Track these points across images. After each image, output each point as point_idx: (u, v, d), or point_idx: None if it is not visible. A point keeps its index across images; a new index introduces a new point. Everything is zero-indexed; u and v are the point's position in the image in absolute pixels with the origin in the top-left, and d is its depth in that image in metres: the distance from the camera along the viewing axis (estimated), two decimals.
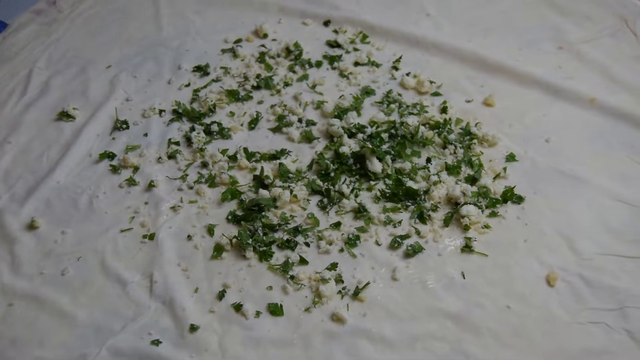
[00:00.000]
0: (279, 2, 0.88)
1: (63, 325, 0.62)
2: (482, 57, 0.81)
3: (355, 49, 0.85)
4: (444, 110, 0.78)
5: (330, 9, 0.87)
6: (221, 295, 0.64)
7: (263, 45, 0.86)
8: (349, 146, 0.74)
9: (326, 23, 0.86)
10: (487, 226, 0.68)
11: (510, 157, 0.73)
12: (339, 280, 0.64)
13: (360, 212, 0.69)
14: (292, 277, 0.65)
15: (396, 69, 0.82)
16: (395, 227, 0.69)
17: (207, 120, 0.77)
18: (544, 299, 0.63)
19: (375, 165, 0.72)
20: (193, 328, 0.62)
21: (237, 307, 0.63)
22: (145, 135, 0.77)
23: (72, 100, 0.80)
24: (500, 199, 0.70)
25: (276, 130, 0.77)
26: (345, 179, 0.72)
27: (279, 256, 0.67)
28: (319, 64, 0.83)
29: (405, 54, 0.83)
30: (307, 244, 0.67)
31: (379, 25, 0.85)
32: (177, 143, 0.76)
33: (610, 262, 0.65)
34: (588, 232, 0.67)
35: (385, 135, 0.75)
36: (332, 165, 0.72)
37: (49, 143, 0.76)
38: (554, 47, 0.83)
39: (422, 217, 0.69)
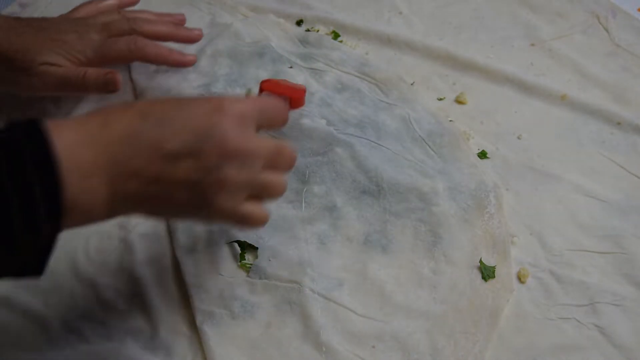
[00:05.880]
0: (250, 2, 0.88)
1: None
2: (454, 55, 0.81)
3: None
4: None
5: (302, 9, 0.87)
6: None
7: None
8: None
9: (299, 23, 0.86)
10: None
11: (482, 155, 0.73)
12: None
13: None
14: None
15: None
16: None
17: None
18: (515, 296, 0.63)
19: None
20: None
21: None
22: None
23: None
24: None
25: None
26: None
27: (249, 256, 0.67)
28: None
29: (377, 53, 0.83)
30: None
31: (351, 24, 0.84)
32: None
33: (581, 258, 0.66)
34: (558, 228, 0.68)
35: None
36: None
37: None
38: (526, 44, 0.84)
39: None
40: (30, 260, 0.46)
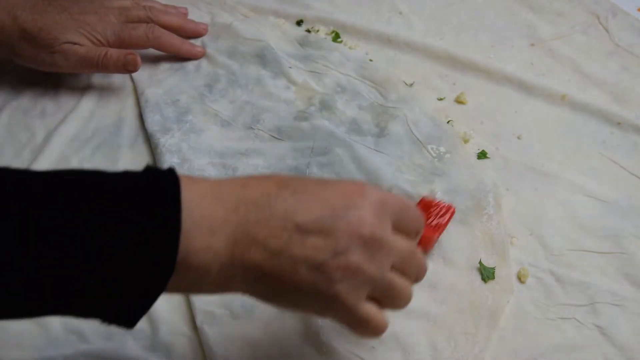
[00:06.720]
0: (250, 2, 0.88)
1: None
2: (454, 55, 0.81)
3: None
4: None
5: (302, 9, 0.87)
6: None
7: None
8: None
9: (299, 23, 0.86)
10: None
11: (482, 155, 0.73)
12: None
13: None
14: None
15: None
16: None
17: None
18: (515, 296, 0.63)
19: None
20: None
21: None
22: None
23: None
24: None
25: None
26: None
27: None
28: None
29: (377, 53, 0.83)
30: None
31: (351, 24, 0.84)
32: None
33: (581, 258, 0.65)
34: (558, 228, 0.68)
35: None
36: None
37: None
38: (526, 44, 0.84)
39: None
40: (124, 310, 0.43)
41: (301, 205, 0.45)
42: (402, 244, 0.48)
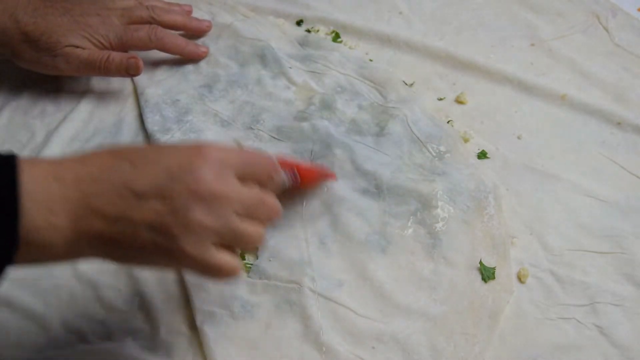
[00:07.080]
0: (250, 2, 0.88)
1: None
2: (454, 55, 0.81)
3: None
4: None
5: (302, 9, 0.87)
6: None
7: None
8: None
9: (299, 23, 0.86)
10: None
11: (482, 155, 0.74)
12: None
13: None
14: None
15: None
16: None
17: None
18: (515, 296, 0.63)
19: None
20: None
21: None
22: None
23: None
24: None
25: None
26: None
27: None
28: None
29: (377, 53, 0.83)
30: None
31: (351, 24, 0.84)
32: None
33: (581, 258, 0.66)
34: (559, 228, 0.68)
35: None
36: None
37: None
38: (526, 44, 0.84)
39: None
40: None
41: (138, 173, 0.48)
42: (246, 193, 0.51)
